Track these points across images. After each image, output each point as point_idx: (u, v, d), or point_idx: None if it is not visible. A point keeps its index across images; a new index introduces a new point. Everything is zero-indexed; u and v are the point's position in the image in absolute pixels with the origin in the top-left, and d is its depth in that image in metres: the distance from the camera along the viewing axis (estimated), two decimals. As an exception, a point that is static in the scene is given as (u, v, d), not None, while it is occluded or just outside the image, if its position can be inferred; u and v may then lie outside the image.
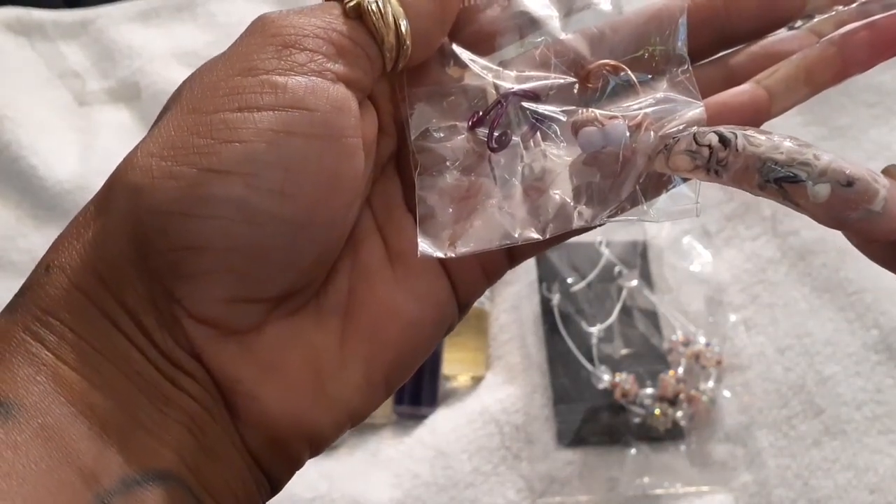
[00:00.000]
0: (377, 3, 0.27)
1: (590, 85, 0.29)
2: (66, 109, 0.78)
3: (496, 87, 0.30)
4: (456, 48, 0.30)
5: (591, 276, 0.68)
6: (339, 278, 0.29)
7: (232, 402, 0.27)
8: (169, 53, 0.80)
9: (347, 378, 0.28)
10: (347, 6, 0.27)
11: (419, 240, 0.28)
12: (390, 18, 0.27)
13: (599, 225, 0.28)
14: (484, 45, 0.30)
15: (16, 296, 0.26)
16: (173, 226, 0.25)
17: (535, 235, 0.28)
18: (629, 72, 0.29)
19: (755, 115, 0.27)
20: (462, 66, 0.30)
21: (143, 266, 0.26)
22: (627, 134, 0.28)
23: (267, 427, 0.27)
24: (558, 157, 0.29)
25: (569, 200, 0.28)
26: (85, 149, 0.76)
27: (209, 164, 0.25)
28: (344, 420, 0.29)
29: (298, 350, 0.28)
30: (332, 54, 0.26)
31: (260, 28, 0.26)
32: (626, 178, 0.28)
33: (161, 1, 0.83)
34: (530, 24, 0.31)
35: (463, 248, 0.28)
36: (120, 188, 0.25)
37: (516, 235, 0.28)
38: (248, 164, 0.25)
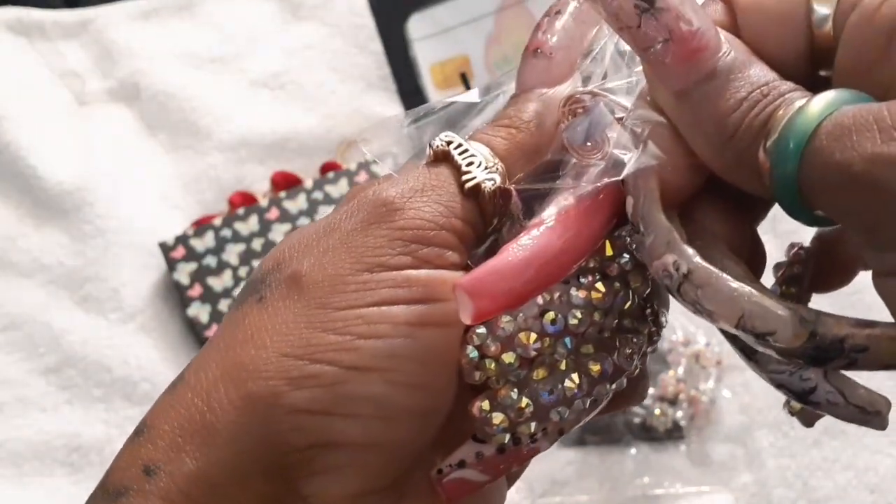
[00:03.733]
0: (492, 185, 0.27)
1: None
2: (66, 109, 0.78)
3: None
4: None
5: (591, 276, 0.68)
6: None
7: None
8: (169, 53, 0.80)
9: None
10: (466, 186, 0.26)
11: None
12: (502, 202, 0.27)
13: None
14: None
15: (103, 501, 0.25)
16: (312, 424, 0.24)
17: None
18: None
19: None
20: None
21: (270, 464, 0.25)
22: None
23: None
24: None
25: None
26: (85, 149, 0.75)
27: (350, 362, 0.24)
28: None
29: None
30: (456, 245, 0.26)
31: (385, 216, 0.26)
32: None
33: (161, 1, 0.83)
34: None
35: None
36: (253, 389, 0.24)
37: None
38: (389, 360, 0.24)
